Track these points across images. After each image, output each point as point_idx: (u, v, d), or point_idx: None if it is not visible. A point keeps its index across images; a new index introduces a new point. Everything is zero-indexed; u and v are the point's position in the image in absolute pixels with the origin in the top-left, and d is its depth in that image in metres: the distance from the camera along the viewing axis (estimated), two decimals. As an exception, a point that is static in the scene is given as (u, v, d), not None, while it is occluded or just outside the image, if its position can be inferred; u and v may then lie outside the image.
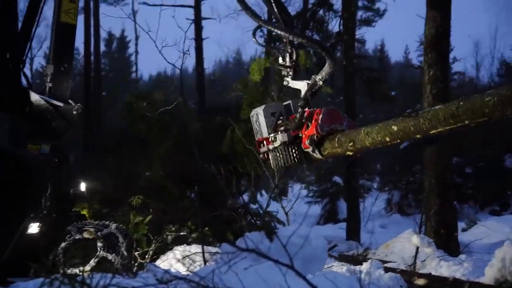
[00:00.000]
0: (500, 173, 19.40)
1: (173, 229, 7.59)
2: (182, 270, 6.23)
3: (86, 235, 6.36)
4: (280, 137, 6.52)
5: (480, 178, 20.18)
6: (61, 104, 6.96)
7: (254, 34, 7.45)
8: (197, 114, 11.11)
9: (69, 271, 5.73)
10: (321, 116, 6.26)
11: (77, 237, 6.32)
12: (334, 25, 17.00)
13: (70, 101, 7.15)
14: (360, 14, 20.40)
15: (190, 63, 40.52)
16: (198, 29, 22.46)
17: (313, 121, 6.27)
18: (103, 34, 40.62)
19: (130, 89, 45.47)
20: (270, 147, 6.62)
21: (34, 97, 6.79)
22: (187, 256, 6.63)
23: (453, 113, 4.30)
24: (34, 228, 5.98)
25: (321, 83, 6.48)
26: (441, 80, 8.52)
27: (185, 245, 7.04)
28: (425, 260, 7.50)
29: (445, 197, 8.51)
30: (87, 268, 5.98)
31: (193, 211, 7.79)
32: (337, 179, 21.61)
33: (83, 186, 7.07)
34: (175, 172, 8.84)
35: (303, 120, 6.41)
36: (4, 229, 5.50)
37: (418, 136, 5.00)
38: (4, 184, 5.61)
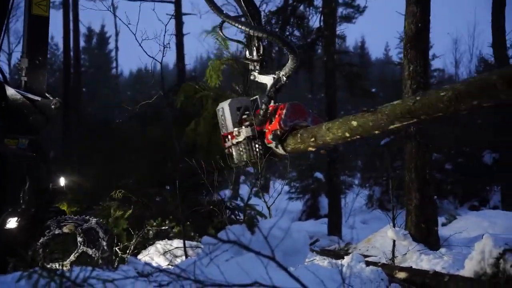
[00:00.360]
0: (479, 169, 19.67)
1: (154, 224, 7.55)
2: (164, 264, 6.21)
3: (65, 230, 6.29)
4: (244, 132, 6.51)
5: (459, 174, 20.43)
6: (38, 98, 6.86)
7: (220, 28, 7.44)
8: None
9: (48, 266, 5.67)
10: (284, 111, 6.28)
11: (56, 232, 6.24)
12: (315, 21, 17.03)
13: (47, 95, 7.06)
14: (340, 10, 20.47)
15: (170, 59, 40.21)
16: (179, 24, 22.39)
17: (276, 116, 6.29)
18: (83, 30, 40.30)
19: (110, 85, 45.26)
20: (234, 141, 6.61)
21: (10, 91, 6.67)
22: (168, 250, 6.62)
23: (409, 108, 4.39)
24: (12, 223, 5.90)
25: (284, 78, 6.50)
26: (421, 75, 8.57)
27: (166, 239, 7.01)
28: (405, 254, 7.56)
29: (425, 192, 8.57)
30: (67, 262, 5.92)
31: (174, 206, 7.75)
32: (318, 175, 21.73)
33: (62, 181, 6.98)
34: (156, 167, 8.81)
35: (267, 115, 6.43)
36: (-19, 224, 5.42)
37: (376, 131, 5.06)
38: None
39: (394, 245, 7.71)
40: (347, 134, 5.21)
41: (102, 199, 8.18)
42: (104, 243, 6.38)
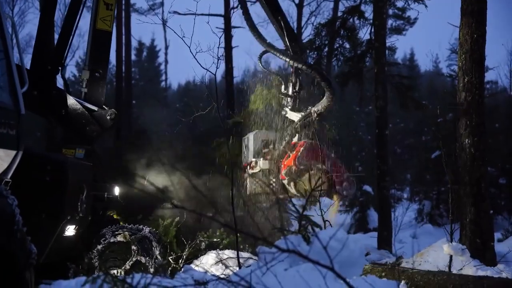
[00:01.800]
0: (534, 184, 19.05)
1: (205, 235, 7.62)
2: (217, 274, 6.25)
3: (120, 238, 6.44)
4: (261, 164, 6.49)
5: (514, 189, 19.84)
6: (95, 108, 7.07)
7: (260, 58, 7.44)
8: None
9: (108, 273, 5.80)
10: (302, 148, 6.22)
11: (111, 240, 6.41)
12: (365, 33, 16.89)
13: (104, 106, 7.26)
14: (390, 22, 20.29)
15: (219, 72, 40.72)
16: (228, 37, 22.60)
17: (294, 153, 6.24)
18: (134, 43, 41.11)
19: (159, 97, 46.02)
20: (251, 172, 6.57)
21: (71, 100, 6.90)
22: (221, 260, 6.66)
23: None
24: (70, 230, 6.06)
25: (315, 115, 6.43)
26: (477, 87, 8.38)
27: (218, 250, 7.07)
28: (461, 269, 7.35)
29: (480, 206, 8.34)
30: (122, 270, 6.05)
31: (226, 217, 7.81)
32: (367, 188, 21.43)
33: (116, 191, 7.15)
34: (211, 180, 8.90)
35: (287, 150, 6.38)
36: (42, 231, 5.58)
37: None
38: (41, 187, 5.70)
39: (451, 260, 7.51)
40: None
41: (155, 210, 8.32)
42: (157, 252, 6.49)
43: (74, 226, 6.09)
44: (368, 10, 16.89)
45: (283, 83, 6.91)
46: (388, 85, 14.74)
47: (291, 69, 6.81)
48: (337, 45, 17.29)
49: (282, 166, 6.18)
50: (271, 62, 11.73)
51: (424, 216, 21.29)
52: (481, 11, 8.34)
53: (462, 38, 8.45)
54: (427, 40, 77.73)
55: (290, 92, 6.80)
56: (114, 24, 25.01)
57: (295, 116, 6.55)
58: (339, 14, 20.18)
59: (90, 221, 6.46)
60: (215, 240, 7.45)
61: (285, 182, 6.07)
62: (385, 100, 13.55)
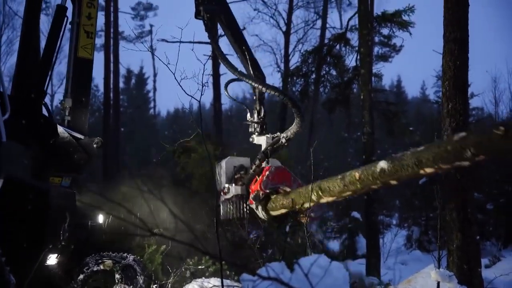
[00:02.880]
0: (522, 209, 19.09)
1: (191, 262, 7.53)
2: (201, 303, 6.17)
3: (104, 266, 6.35)
4: (234, 190, 6.53)
5: (501, 214, 19.84)
6: (81, 136, 7.03)
7: (226, 87, 7.55)
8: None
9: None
10: (267, 173, 6.28)
11: (95, 269, 6.32)
12: (351, 60, 17.13)
13: (86, 136, 7.22)
14: (376, 49, 20.52)
15: (207, 99, 40.82)
16: (216, 65, 22.77)
17: (260, 177, 6.30)
18: (122, 71, 41.21)
19: (148, 125, 46.02)
20: (223, 198, 6.62)
21: (59, 129, 6.86)
22: (205, 289, 6.58)
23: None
24: (52, 259, 5.97)
25: (284, 141, 6.52)
26: (461, 113, 8.43)
27: (203, 278, 6.98)
28: (448, 295, 7.31)
29: (467, 232, 8.32)
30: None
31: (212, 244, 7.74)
32: (355, 214, 21.39)
33: (101, 218, 7.08)
34: (196, 206, 8.84)
35: (255, 175, 6.44)
36: (23, 260, 5.49)
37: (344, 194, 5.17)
38: (23, 215, 5.62)
39: (438, 287, 7.46)
40: (314, 198, 5.34)
41: (139, 237, 8.21)
42: (141, 281, 6.41)
43: (56, 255, 6.00)
44: (354, 38, 17.15)
45: (248, 110, 7.01)
46: (375, 111, 14.84)
47: (255, 97, 6.93)
48: (324, 72, 17.49)
49: (250, 191, 6.20)
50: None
51: (413, 242, 21.25)
52: (463, 39, 8.45)
53: (446, 65, 8.54)
54: (414, 67, 78.73)
55: (255, 119, 6.90)
56: (102, 52, 25.15)
57: (261, 141, 6.63)
58: (326, 41, 20.42)
59: (72, 249, 6.37)
60: (200, 268, 7.36)
61: (253, 206, 6.08)
62: (372, 126, 13.61)
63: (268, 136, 6.61)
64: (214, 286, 6.51)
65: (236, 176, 6.57)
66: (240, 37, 7.53)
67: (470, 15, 8.51)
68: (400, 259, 18.00)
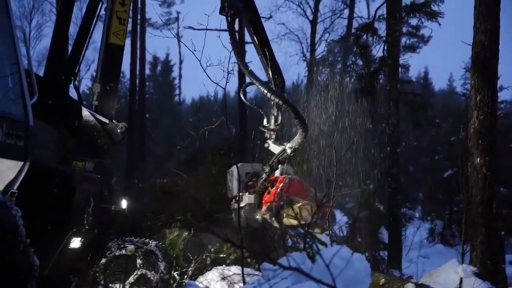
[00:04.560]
0: (548, 205, 18.73)
1: (212, 250, 7.56)
2: (221, 290, 6.20)
3: (126, 251, 6.41)
4: (247, 199, 6.47)
5: (528, 210, 19.50)
6: (107, 121, 7.08)
7: (243, 90, 7.46)
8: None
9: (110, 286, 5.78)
10: (281, 184, 6.19)
11: (117, 254, 6.38)
12: (378, 50, 16.90)
13: (114, 121, 7.26)
14: (404, 40, 20.23)
15: (232, 87, 40.78)
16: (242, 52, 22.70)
17: (274, 188, 6.22)
18: (148, 58, 41.39)
19: (173, 111, 46.25)
20: (235, 205, 6.55)
21: (85, 112, 6.91)
22: (226, 276, 6.60)
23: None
24: (76, 242, 6.04)
25: (289, 151, 6.44)
26: (489, 106, 8.30)
27: (224, 266, 7.01)
28: (471, 291, 7.23)
29: (492, 227, 8.21)
30: (127, 284, 6.00)
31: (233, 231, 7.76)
32: (378, 206, 21.26)
33: (124, 204, 7.13)
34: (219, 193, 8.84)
35: (266, 185, 6.36)
36: (47, 243, 5.56)
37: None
38: (47, 199, 5.69)
39: (461, 282, 7.38)
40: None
41: (162, 223, 8.29)
42: (162, 267, 6.45)
43: (79, 239, 6.06)
44: (381, 28, 16.92)
45: (265, 116, 6.95)
46: (401, 103, 14.68)
47: (272, 102, 6.84)
48: (350, 62, 17.31)
49: (263, 202, 6.17)
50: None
51: (436, 236, 21.05)
52: (494, 30, 8.29)
53: (475, 56, 8.39)
54: (442, 58, 77.58)
55: (272, 126, 6.84)
56: (129, 39, 25.31)
57: (276, 149, 6.58)
58: (353, 31, 20.20)
59: (96, 233, 6.43)
60: (221, 255, 7.38)
61: (267, 217, 6.06)
62: (398, 118, 13.47)
63: (284, 145, 6.55)
64: (235, 274, 6.54)
65: (249, 183, 6.53)
66: (264, 39, 7.46)
67: (502, 5, 8.34)
68: (422, 252, 17.84)
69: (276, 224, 6.08)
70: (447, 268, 8.57)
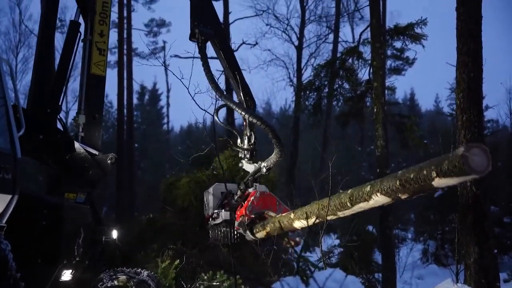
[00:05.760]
0: (540, 223, 18.81)
1: (205, 277, 7.49)
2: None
3: (118, 282, 6.33)
4: (223, 215, 6.58)
5: (519, 228, 19.56)
6: (96, 152, 7.07)
7: (216, 112, 7.60)
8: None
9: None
10: (252, 198, 6.31)
11: (109, 285, 6.30)
12: (364, 73, 17.08)
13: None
14: (389, 63, 20.48)
15: (221, 114, 40.84)
16: (228, 79, 22.82)
17: (245, 203, 6.33)
18: (136, 87, 41.49)
19: (161, 140, 46.21)
20: (212, 223, 6.66)
21: (76, 144, 6.91)
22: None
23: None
24: (67, 275, 5.97)
25: (264, 170, 6.57)
26: (475, 125, 8.37)
27: (217, 293, 6.95)
28: (466, 310, 7.20)
29: (484, 246, 8.22)
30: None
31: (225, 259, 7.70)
32: (369, 228, 21.22)
33: (115, 234, 7.07)
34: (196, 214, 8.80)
35: (240, 201, 6.48)
36: (37, 276, 5.49)
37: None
38: (37, 231, 5.64)
39: (456, 303, 7.34)
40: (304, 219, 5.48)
41: (151, 251, 8.22)
42: (156, 297, 6.38)
43: (70, 271, 5.99)
44: (366, 51, 17.14)
45: (238, 137, 7.06)
46: (388, 124, 14.77)
47: (245, 123, 6.99)
48: (337, 85, 17.46)
49: (236, 217, 6.28)
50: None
51: (429, 256, 20.98)
52: (476, 51, 8.42)
53: (459, 77, 8.49)
54: (428, 79, 78.46)
55: (246, 146, 6.95)
56: (116, 69, 25.37)
57: (250, 168, 6.70)
58: (338, 55, 20.42)
59: (87, 265, 6.36)
60: (214, 283, 7.31)
61: (241, 231, 6.17)
62: (386, 139, 13.53)
63: (256, 165, 6.66)
64: (229, 301, 6.48)
65: (224, 202, 6.64)
66: (234, 63, 7.62)
67: (484, 27, 8.48)
68: (416, 273, 17.80)
69: (250, 238, 6.17)
70: (442, 288, 8.54)
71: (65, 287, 5.97)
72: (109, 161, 7.14)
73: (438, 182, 3.62)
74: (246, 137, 6.97)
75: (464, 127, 8.36)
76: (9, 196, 4.82)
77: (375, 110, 13.65)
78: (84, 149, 6.95)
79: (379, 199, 4.29)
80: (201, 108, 5.94)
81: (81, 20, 7.51)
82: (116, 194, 23.54)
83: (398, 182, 4.02)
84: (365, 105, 17.42)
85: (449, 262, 19.06)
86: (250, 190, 6.43)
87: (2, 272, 3.94)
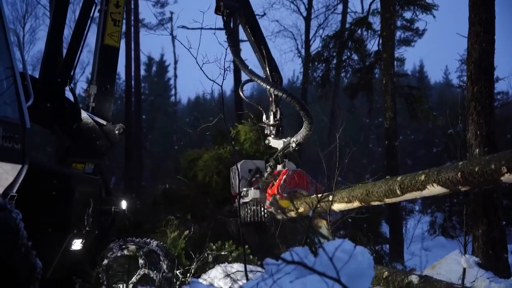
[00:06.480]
0: (549, 195, 18.74)
1: (214, 247, 7.54)
2: (225, 287, 6.19)
3: (127, 252, 6.39)
4: (252, 193, 6.55)
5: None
6: (104, 123, 7.08)
7: (241, 87, 7.54)
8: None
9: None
10: (284, 177, 6.26)
11: (119, 254, 6.36)
12: (373, 45, 16.91)
13: (111, 122, 7.27)
14: (399, 34, 20.24)
15: (228, 86, 40.79)
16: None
17: (277, 181, 6.29)
18: (143, 59, 41.35)
19: (169, 112, 46.23)
20: (241, 201, 6.64)
21: (83, 114, 6.92)
22: (229, 274, 6.59)
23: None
24: (77, 244, 6.03)
25: (294, 145, 6.50)
26: (486, 96, 8.29)
27: (226, 263, 6.99)
28: (474, 281, 7.21)
29: (493, 217, 8.22)
30: (129, 284, 6.00)
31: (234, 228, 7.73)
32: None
33: (124, 204, 7.12)
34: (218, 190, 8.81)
35: (271, 179, 6.44)
36: (48, 245, 5.55)
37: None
38: (47, 201, 5.68)
39: (464, 272, 7.37)
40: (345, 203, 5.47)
41: (162, 222, 8.25)
42: (165, 266, 6.44)
43: (80, 240, 6.06)
44: (376, 22, 16.93)
45: (264, 112, 7.01)
46: (397, 96, 14.66)
47: (270, 99, 6.92)
48: (345, 56, 17.31)
49: (267, 195, 6.25)
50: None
51: (437, 228, 21.04)
52: (489, 20, 8.28)
53: (471, 47, 8.38)
54: (437, 51, 77.65)
55: (271, 122, 6.90)
56: (123, 40, 25.25)
57: (277, 144, 6.66)
58: (347, 26, 20.19)
59: (97, 235, 6.43)
60: (223, 253, 7.36)
61: (272, 210, 6.14)
62: (394, 111, 13.44)
63: (285, 140, 6.61)
64: (238, 271, 6.53)
65: (252, 180, 6.60)
66: (260, 37, 7.55)
67: (497, -3, 8.33)
68: (424, 245, 17.87)
69: (280, 217, 6.14)
70: (450, 260, 8.58)
71: (75, 256, 6.04)
72: (117, 132, 7.16)
73: (508, 177, 3.49)
74: (272, 113, 6.95)
75: (474, 99, 8.28)
76: (19, 166, 4.85)
77: (384, 81, 13.53)
78: (93, 119, 6.96)
79: (434, 189, 4.21)
80: (209, 79, 5.90)
81: None
82: (124, 165, 23.62)
83: (459, 174, 3.90)
84: (374, 76, 17.28)
85: (456, 234, 19.13)
86: (279, 167, 6.41)
87: (14, 240, 3.98)
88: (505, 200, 18.22)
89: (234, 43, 7.21)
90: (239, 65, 6.82)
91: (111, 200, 6.98)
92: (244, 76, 7.35)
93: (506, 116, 21.80)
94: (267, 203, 6.17)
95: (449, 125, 10.38)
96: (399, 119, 14.97)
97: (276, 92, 6.35)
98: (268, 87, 6.39)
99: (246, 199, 6.47)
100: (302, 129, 6.22)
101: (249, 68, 6.82)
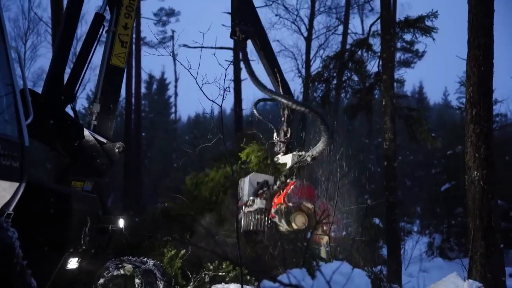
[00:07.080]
0: (547, 217, 18.71)
1: (211, 267, 7.50)
2: (220, 309, 6.15)
3: (124, 271, 6.36)
4: (258, 203, 6.61)
5: (526, 222, 19.47)
6: (105, 141, 7.10)
7: (255, 106, 7.69)
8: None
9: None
10: (292, 187, 6.32)
11: (115, 273, 6.33)
12: (373, 66, 16.99)
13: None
14: (399, 55, 20.37)
15: (228, 104, 40.86)
16: (237, 70, 22.81)
17: (284, 191, 6.35)
18: (144, 76, 41.48)
19: (169, 130, 46.29)
20: (246, 210, 6.70)
21: (85, 132, 6.94)
22: (225, 295, 6.57)
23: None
24: (73, 263, 6.00)
25: (309, 159, 6.59)
26: (485, 119, 8.32)
27: (223, 283, 6.95)
28: (472, 305, 7.17)
29: (490, 240, 8.19)
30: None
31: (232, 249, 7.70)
32: (376, 220, 21.20)
33: (121, 223, 7.10)
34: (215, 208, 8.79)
35: (281, 189, 6.51)
36: (44, 264, 5.52)
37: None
38: (44, 219, 5.66)
39: (465, 297, 7.32)
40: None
41: (160, 241, 8.22)
42: (161, 286, 6.41)
43: (77, 259, 6.03)
44: (376, 43, 17.04)
45: (275, 130, 7.16)
46: (396, 117, 14.69)
47: (283, 118, 7.10)
48: (346, 77, 17.39)
49: (273, 204, 6.28)
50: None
51: (435, 249, 20.97)
52: (488, 45, 8.34)
53: (470, 70, 8.43)
54: (437, 73, 78.01)
55: (282, 138, 7.06)
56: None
57: (286, 159, 6.76)
58: (348, 47, 20.32)
59: (93, 253, 6.40)
60: (220, 273, 7.32)
61: (276, 220, 6.15)
62: (394, 132, 13.45)
63: (294, 153, 6.71)
64: (234, 291, 6.49)
65: (259, 192, 6.64)
66: (273, 59, 7.77)
67: (495, 20, 8.40)
68: (422, 266, 17.79)
69: (285, 228, 6.14)
70: (447, 282, 8.52)
71: (71, 275, 6.01)
72: (117, 150, 7.17)
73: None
74: (283, 131, 7.08)
75: (473, 121, 8.30)
76: (17, 184, 4.84)
77: (383, 102, 13.57)
78: (94, 137, 6.99)
79: None
80: (209, 99, 5.92)
81: (106, 11, 7.57)
82: (123, 183, 23.59)
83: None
84: (374, 97, 17.34)
85: (454, 256, 19.04)
86: (289, 180, 6.46)
87: (9, 259, 3.96)
88: (503, 223, 18.18)
89: (249, 65, 7.43)
90: (256, 85, 6.96)
91: (109, 219, 6.96)
92: (244, 95, 7.44)
93: (504, 139, 21.84)
94: (272, 211, 6.18)
95: (448, 147, 10.43)
96: (398, 140, 14.99)
97: (298, 108, 6.48)
98: (290, 103, 6.51)
99: (251, 208, 6.51)
100: (319, 143, 6.29)
101: (267, 88, 7.02)
